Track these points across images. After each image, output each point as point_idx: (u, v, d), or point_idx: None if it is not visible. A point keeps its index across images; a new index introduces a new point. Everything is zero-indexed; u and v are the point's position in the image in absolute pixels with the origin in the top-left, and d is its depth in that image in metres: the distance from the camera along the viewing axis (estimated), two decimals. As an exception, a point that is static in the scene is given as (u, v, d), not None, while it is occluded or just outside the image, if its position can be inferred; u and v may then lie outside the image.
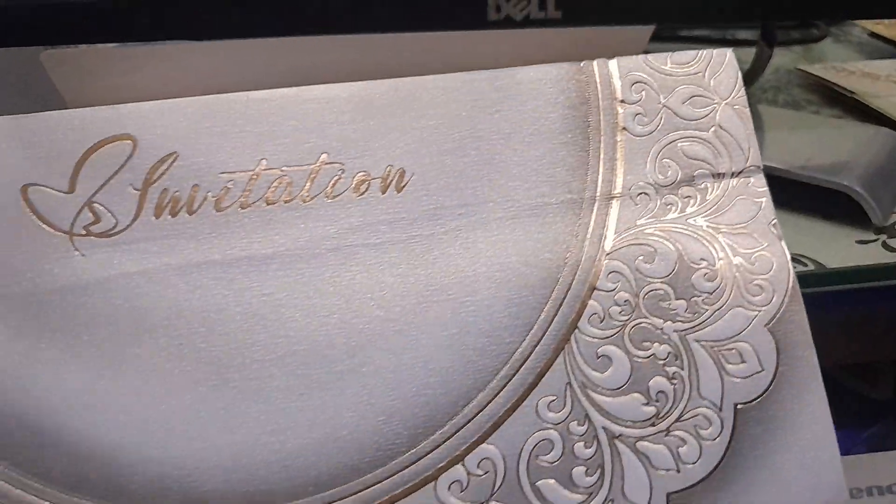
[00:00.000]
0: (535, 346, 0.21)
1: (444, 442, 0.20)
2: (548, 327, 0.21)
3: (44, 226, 0.21)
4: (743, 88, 0.23)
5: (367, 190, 0.21)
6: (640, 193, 0.22)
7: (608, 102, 0.22)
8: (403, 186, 0.22)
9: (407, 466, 0.20)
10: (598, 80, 0.22)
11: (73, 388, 0.20)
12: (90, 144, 0.21)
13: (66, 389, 0.20)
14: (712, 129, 0.22)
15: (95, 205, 0.21)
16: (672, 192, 0.22)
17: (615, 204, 0.22)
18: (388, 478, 0.20)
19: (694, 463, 0.20)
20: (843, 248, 0.29)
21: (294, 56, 0.28)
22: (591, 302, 0.21)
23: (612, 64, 0.23)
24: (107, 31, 0.30)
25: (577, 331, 0.21)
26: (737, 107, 0.23)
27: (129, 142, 0.21)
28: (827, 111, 0.36)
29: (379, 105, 0.22)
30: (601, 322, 0.21)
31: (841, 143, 0.32)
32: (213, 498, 0.20)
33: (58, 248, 0.21)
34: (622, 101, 0.22)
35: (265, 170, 0.21)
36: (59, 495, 0.20)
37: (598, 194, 0.22)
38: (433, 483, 0.20)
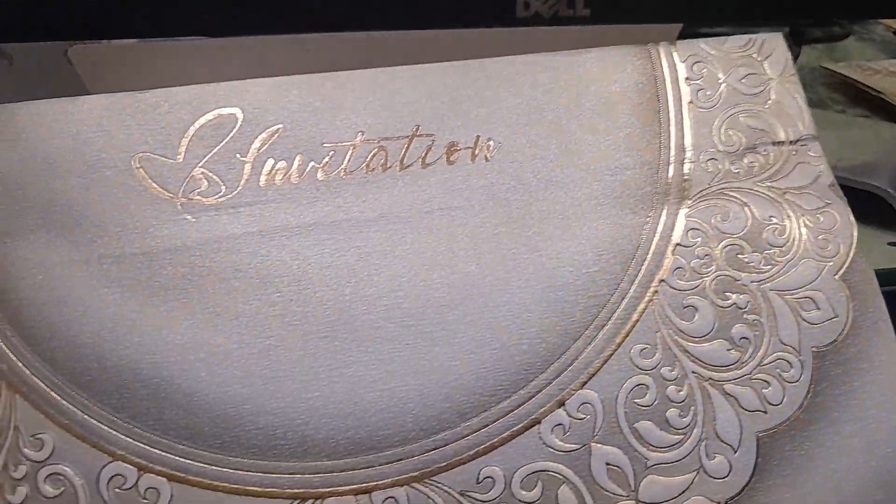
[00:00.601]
0: (623, 298, 0.22)
1: (545, 388, 0.21)
2: (635, 280, 0.22)
3: (155, 192, 0.22)
4: (794, 67, 0.25)
5: (457, 159, 0.23)
6: (710, 159, 0.24)
7: (675, 80, 0.24)
8: (492, 155, 0.23)
9: (511, 411, 0.21)
10: (663, 61, 0.24)
11: (186, 343, 0.21)
12: (199, 116, 0.22)
13: (179, 345, 0.21)
14: (768, 103, 0.24)
15: (203, 172, 0.22)
16: (737, 159, 0.24)
17: (688, 169, 0.23)
18: (493, 422, 0.21)
19: (779, 404, 0.21)
20: (874, 250, 0.29)
21: (324, 52, 0.29)
22: (674, 257, 0.22)
23: (675, 46, 0.25)
24: (131, 27, 0.31)
25: (663, 283, 0.22)
26: (788, 84, 0.25)
27: (234, 115, 0.23)
28: (852, 110, 0.38)
29: (467, 82, 0.23)
30: (685, 275, 0.22)
31: (869, 143, 0.33)
32: (324, 446, 0.20)
33: (168, 212, 0.22)
34: (687, 79, 0.24)
35: (363, 141, 0.23)
36: (174, 446, 0.20)
37: (671, 160, 0.23)
38: (537, 426, 0.21)
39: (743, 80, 0.24)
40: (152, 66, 0.30)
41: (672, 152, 0.23)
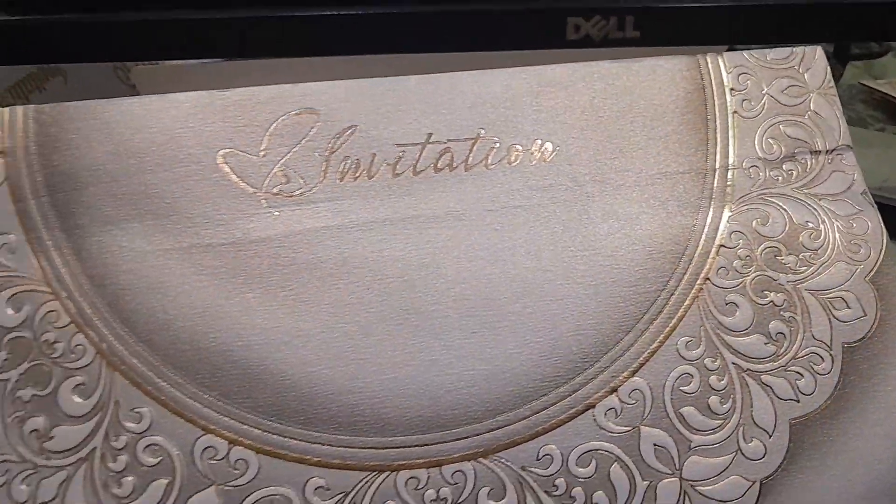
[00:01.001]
0: (672, 294, 0.24)
1: (599, 375, 0.23)
2: (682, 278, 0.24)
3: (240, 186, 0.24)
4: (832, 80, 0.26)
5: (517, 160, 0.25)
6: (752, 167, 0.25)
7: (721, 89, 0.26)
8: (549, 157, 0.25)
9: (567, 396, 0.23)
10: (710, 71, 0.26)
11: (272, 327, 0.23)
12: (280, 115, 0.24)
13: (266, 329, 0.23)
14: (807, 114, 0.26)
15: (284, 168, 0.24)
16: (777, 167, 0.25)
17: (731, 175, 0.25)
18: (552, 405, 0.23)
19: (811, 394, 0.23)
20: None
21: (383, 72, 0.31)
22: (718, 257, 0.24)
23: (722, 57, 0.26)
24: (190, 48, 0.33)
25: (707, 281, 0.24)
26: (827, 95, 0.26)
27: (313, 115, 0.24)
28: (891, 127, 0.38)
29: (525, 87, 0.25)
30: (727, 274, 0.24)
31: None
32: (398, 423, 0.22)
33: (252, 206, 0.24)
34: (732, 89, 0.26)
35: (431, 142, 0.24)
36: (262, 422, 0.22)
37: (717, 166, 0.25)
38: (592, 410, 0.23)
39: (784, 91, 0.26)
40: (207, 86, 0.32)
41: (718, 159, 0.25)
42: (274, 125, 0.24)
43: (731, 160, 0.25)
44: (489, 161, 0.24)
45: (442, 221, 0.24)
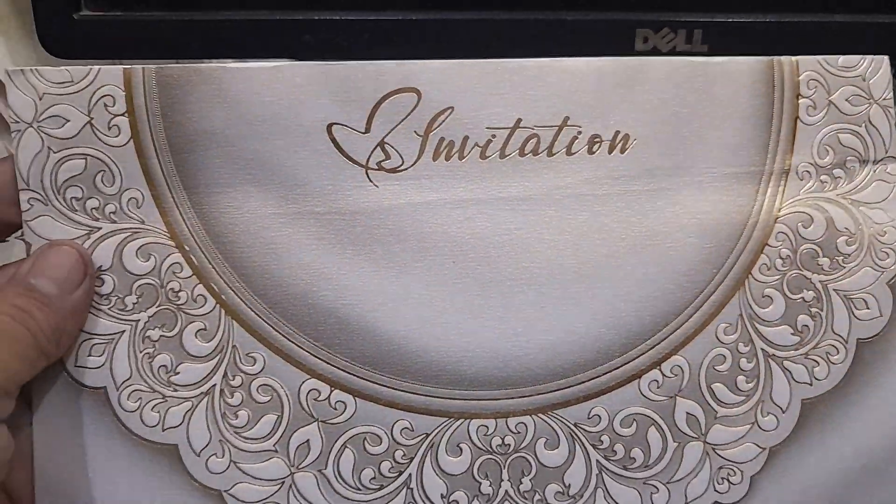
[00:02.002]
0: (719, 285, 0.27)
1: (647, 352, 0.27)
2: (730, 271, 0.27)
3: (345, 159, 0.26)
4: (892, 91, 0.28)
5: (598, 150, 0.27)
6: (805, 171, 0.28)
7: (790, 94, 0.28)
8: (627, 149, 0.27)
9: (618, 367, 0.26)
10: (784, 75, 0.27)
11: (371, 290, 0.26)
12: (385, 93, 0.26)
13: (365, 291, 0.26)
14: (864, 124, 0.28)
15: (386, 145, 0.26)
16: (827, 172, 0.28)
17: (786, 178, 0.27)
18: (604, 374, 0.26)
19: (823, 379, 0.27)
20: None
21: None
22: (763, 255, 0.27)
23: (796, 61, 0.28)
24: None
25: (750, 276, 0.27)
26: (884, 106, 0.28)
27: (414, 94, 0.26)
28: None
29: (611, 79, 0.27)
30: (768, 270, 0.27)
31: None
32: (475, 379, 0.26)
33: (356, 178, 0.26)
34: (799, 95, 0.28)
35: (520, 127, 0.26)
36: (359, 370, 0.26)
37: (775, 169, 0.27)
38: (637, 381, 0.26)
39: (848, 100, 0.28)
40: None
41: (776, 162, 0.27)
42: (378, 102, 0.26)
43: (788, 164, 0.27)
44: (571, 149, 0.27)
45: (522, 204, 0.26)
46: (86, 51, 0.33)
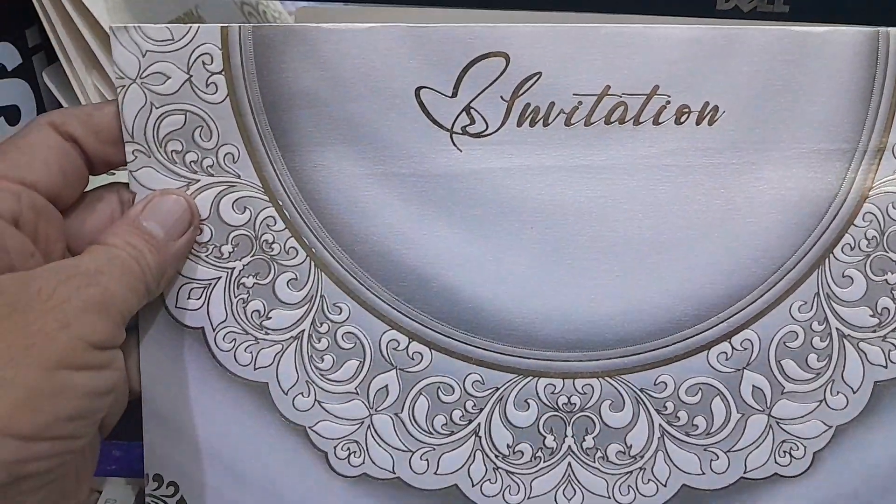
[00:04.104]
0: (798, 262, 0.27)
1: (719, 325, 0.27)
2: (810, 249, 0.27)
3: (431, 123, 0.26)
4: None
5: (685, 121, 0.26)
6: (900, 150, 0.27)
7: (893, 69, 0.26)
8: (715, 121, 0.26)
9: (689, 337, 0.27)
10: (889, 48, 0.26)
11: (451, 250, 0.27)
12: (473, 57, 0.26)
13: (444, 251, 0.27)
14: (971, 101, 0.27)
15: (472, 110, 0.26)
16: (924, 151, 0.27)
17: (881, 157, 0.27)
18: (675, 343, 0.27)
19: (898, 361, 0.27)
20: None
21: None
22: (846, 235, 0.27)
23: (903, 33, 0.26)
24: None
25: (831, 255, 0.27)
26: None
27: (503, 59, 0.26)
28: None
29: (705, 48, 0.26)
30: (851, 250, 0.27)
31: None
32: (546, 341, 0.27)
33: (440, 142, 0.26)
34: (904, 69, 0.26)
35: (608, 94, 0.26)
36: (436, 325, 0.27)
37: (869, 147, 0.27)
38: (706, 352, 0.27)
39: (955, 76, 0.27)
40: None
41: (871, 140, 0.26)
42: (466, 66, 0.26)
43: (884, 143, 0.27)
44: (659, 118, 0.26)
45: (603, 172, 0.26)
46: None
